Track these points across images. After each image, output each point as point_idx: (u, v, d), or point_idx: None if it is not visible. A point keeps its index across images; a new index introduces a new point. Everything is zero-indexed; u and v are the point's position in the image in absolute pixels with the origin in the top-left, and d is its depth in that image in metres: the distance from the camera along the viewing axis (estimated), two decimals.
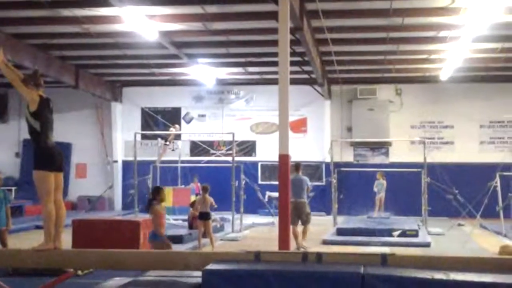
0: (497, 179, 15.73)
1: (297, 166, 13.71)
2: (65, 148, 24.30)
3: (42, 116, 6.39)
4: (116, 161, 24.10)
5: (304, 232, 13.25)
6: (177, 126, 20.89)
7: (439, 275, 4.99)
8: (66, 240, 11.73)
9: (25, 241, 11.76)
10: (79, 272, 8.78)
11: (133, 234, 10.70)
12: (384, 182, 20.03)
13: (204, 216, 12.78)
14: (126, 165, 23.32)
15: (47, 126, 6.45)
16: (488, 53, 18.23)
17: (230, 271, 5.24)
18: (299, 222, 13.19)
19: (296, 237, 12.80)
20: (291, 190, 11.33)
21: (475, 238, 14.94)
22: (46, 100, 6.53)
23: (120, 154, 24.25)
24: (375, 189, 20.08)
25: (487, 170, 18.08)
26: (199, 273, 5.38)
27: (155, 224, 9.16)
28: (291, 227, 11.18)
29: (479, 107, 22.38)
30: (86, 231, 10.77)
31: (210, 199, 12.88)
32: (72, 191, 24.10)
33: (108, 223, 11.45)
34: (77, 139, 24.24)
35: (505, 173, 15.48)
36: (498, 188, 15.64)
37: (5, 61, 6.38)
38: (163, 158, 20.16)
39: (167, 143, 19.93)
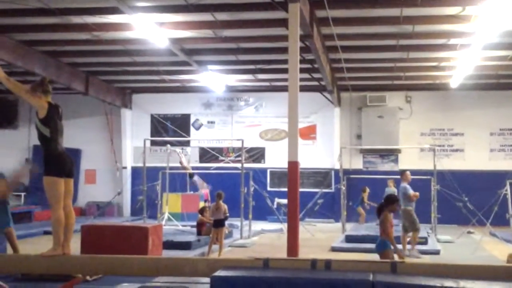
0: (507, 186, 15.64)
1: (401, 174, 14.25)
2: (75, 154, 24.39)
3: (51, 122, 6.42)
4: (125, 167, 24.14)
5: (412, 239, 13.47)
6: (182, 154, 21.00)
7: (448, 283, 4.96)
8: (75, 245, 11.77)
9: (34, 246, 11.77)
10: (88, 278, 8.80)
11: (142, 240, 10.68)
12: (395, 190, 19.95)
13: (219, 224, 12.74)
14: (135, 171, 23.35)
15: (57, 132, 6.48)
16: (499, 61, 18.17)
17: (238, 278, 5.23)
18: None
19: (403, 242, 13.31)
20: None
21: (485, 246, 14.86)
22: (55, 107, 6.57)
23: (129, 160, 24.29)
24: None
25: (497, 178, 18.00)
26: (207, 280, 5.37)
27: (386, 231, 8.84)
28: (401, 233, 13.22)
29: (489, 114, 22.29)
30: (95, 236, 10.76)
31: (224, 206, 12.86)
32: (81, 197, 24.16)
33: (117, 229, 11.43)
34: (87, 145, 24.32)
35: None
36: (508, 196, 15.53)
37: (6, 76, 6.42)
38: (172, 164, 20.11)
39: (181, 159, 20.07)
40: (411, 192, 13.65)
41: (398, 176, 20.26)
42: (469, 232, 17.61)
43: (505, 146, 22.41)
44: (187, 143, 23.66)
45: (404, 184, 13.81)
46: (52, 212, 6.36)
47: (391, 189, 19.92)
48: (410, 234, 13.53)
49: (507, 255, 11.58)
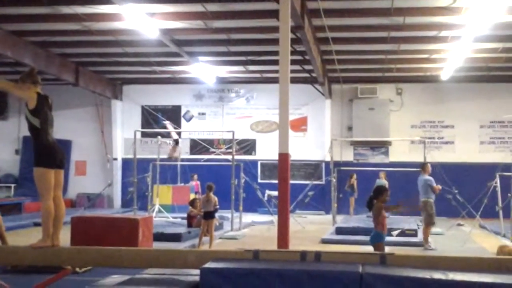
0: (497, 179, 15.72)
1: (422, 166, 14.14)
2: (65, 146, 24.30)
3: (41, 113, 6.36)
4: (115, 159, 24.09)
5: (425, 231, 13.58)
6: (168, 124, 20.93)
7: (438, 275, 4.98)
8: (64, 237, 11.73)
9: (24, 238, 11.73)
10: (78, 270, 8.79)
11: (132, 232, 10.65)
12: (387, 182, 20.04)
13: (209, 215, 12.76)
14: (126, 163, 23.32)
15: (47, 123, 6.42)
16: (489, 53, 18.21)
17: (228, 270, 5.23)
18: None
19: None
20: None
21: (475, 238, 14.92)
22: (44, 97, 6.51)
23: (119, 152, 24.24)
24: None
25: (487, 170, 18.07)
26: (197, 271, 5.36)
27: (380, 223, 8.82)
28: None
29: (479, 107, 22.37)
30: (84, 228, 10.71)
31: (215, 198, 12.88)
32: (71, 189, 24.11)
33: (107, 221, 11.38)
34: (77, 136, 24.26)
35: (505, 173, 15.45)
36: (498, 188, 15.62)
37: None
38: (162, 156, 20.06)
39: (169, 142, 19.98)
40: (435, 184, 13.65)
41: (389, 168, 20.50)
42: (459, 224, 17.70)
43: (494, 139, 22.49)
44: (178, 135, 23.61)
45: (427, 176, 13.76)
46: (42, 203, 6.34)
47: (383, 181, 19.99)
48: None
49: (497, 247, 11.62)
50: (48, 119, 6.48)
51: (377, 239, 8.69)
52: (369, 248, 8.90)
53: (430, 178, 13.68)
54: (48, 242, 6.21)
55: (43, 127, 6.36)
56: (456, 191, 16.94)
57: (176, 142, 20.36)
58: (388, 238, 14.03)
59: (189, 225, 14.78)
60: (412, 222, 16.70)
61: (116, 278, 6.41)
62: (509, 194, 14.52)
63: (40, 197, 6.36)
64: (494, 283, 4.85)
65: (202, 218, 13.06)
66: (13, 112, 24.36)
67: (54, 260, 6.32)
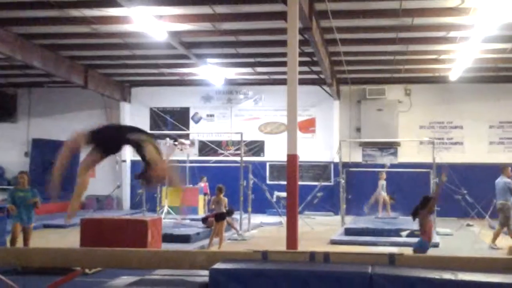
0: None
1: (502, 168, 14.24)
2: None
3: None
4: (124, 161, 24.15)
5: (495, 233, 13.67)
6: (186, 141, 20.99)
7: (447, 275, 4.97)
8: (74, 239, 11.78)
9: (34, 240, 11.80)
10: (87, 271, 8.82)
11: (141, 233, 10.71)
12: (385, 183, 20.04)
13: (220, 217, 12.80)
14: (135, 165, 23.36)
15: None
16: (498, 54, 18.16)
17: (237, 270, 5.24)
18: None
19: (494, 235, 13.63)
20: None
21: (484, 239, 14.88)
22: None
23: (128, 154, 24.27)
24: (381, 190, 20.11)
25: (496, 171, 17.95)
26: (206, 272, 5.38)
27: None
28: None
29: (488, 107, 22.31)
30: (94, 230, 10.78)
31: (225, 200, 12.93)
32: None
33: (116, 222, 11.46)
34: None
35: None
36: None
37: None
38: (171, 158, 20.09)
39: (176, 143, 19.96)
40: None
41: (397, 169, 20.46)
42: (468, 225, 17.67)
43: (504, 139, 22.42)
44: (186, 137, 23.64)
45: (507, 179, 13.81)
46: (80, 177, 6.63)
47: (382, 182, 20.00)
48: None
49: (508, 247, 11.60)
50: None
51: (420, 248, 8.63)
52: (379, 249, 8.90)
53: (510, 180, 13.68)
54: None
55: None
56: (465, 191, 16.90)
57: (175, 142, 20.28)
58: (397, 239, 14.10)
59: (205, 221, 14.85)
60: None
61: (125, 279, 6.43)
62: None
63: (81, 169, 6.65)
64: (503, 283, 4.83)
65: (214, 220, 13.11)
66: (23, 114, 24.50)
67: (64, 262, 6.35)
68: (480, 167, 21.52)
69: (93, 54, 19.40)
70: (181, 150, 20.03)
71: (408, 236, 14.43)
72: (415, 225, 15.59)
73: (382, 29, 15.90)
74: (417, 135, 22.42)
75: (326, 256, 5.68)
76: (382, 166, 21.66)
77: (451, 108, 22.64)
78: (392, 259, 5.61)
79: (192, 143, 20.83)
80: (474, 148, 22.42)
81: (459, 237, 15.46)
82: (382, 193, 19.98)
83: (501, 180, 13.80)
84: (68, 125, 24.18)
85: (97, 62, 20.60)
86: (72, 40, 17.53)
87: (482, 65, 19.53)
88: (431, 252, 12.29)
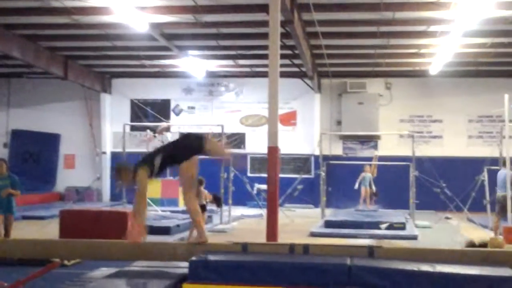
0: (485, 173, 15.82)
1: (503, 161, 14.27)
2: (54, 139, 24.27)
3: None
4: (104, 152, 24.04)
5: (497, 225, 13.67)
6: (169, 123, 20.79)
7: (425, 267, 5.03)
8: (53, 230, 11.72)
9: (13, 231, 11.71)
10: (66, 262, 8.79)
11: (121, 225, 10.68)
12: (371, 176, 20.21)
13: (200, 209, 12.79)
14: (115, 156, 23.24)
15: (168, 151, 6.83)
16: (478, 48, 18.29)
17: (217, 262, 5.26)
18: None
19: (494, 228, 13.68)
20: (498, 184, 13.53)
21: (462, 231, 15.01)
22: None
23: (108, 145, 24.19)
24: (357, 186, 20.22)
25: (475, 164, 18.18)
26: (186, 264, 5.39)
27: None
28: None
29: (468, 101, 22.48)
30: (73, 221, 10.75)
31: (205, 192, 12.92)
32: (60, 182, 24.08)
33: (96, 214, 11.42)
34: (66, 130, 24.21)
35: (492, 167, 15.54)
36: (486, 182, 15.72)
37: None
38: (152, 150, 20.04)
39: (156, 135, 19.89)
40: None
41: (377, 163, 20.57)
42: (446, 218, 17.82)
43: (483, 133, 22.61)
44: (167, 129, 23.55)
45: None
46: (185, 197, 6.65)
47: (368, 175, 20.12)
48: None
49: (488, 240, 11.69)
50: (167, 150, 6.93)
51: None
52: (358, 241, 8.94)
53: None
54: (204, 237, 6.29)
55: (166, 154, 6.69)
56: (444, 185, 17.03)
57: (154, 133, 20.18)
58: (376, 232, 14.19)
59: None
60: (400, 216, 16.78)
61: (104, 271, 6.43)
62: (496, 188, 14.60)
63: (185, 189, 6.68)
64: (480, 275, 4.90)
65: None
66: (2, 105, 24.28)
67: (43, 253, 6.32)
68: (459, 161, 21.71)
69: (74, 45, 19.24)
70: (162, 134, 19.96)
71: (387, 228, 14.54)
72: (394, 218, 15.78)
73: (364, 23, 15.93)
74: (397, 128, 22.54)
75: (306, 248, 5.71)
76: (363, 159, 21.79)
77: (431, 102, 22.78)
78: (371, 251, 5.66)
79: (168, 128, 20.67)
80: (453, 141, 22.59)
81: (437, 230, 15.58)
82: (363, 186, 20.13)
83: (502, 172, 13.96)
84: (48, 116, 24.12)
85: (78, 53, 20.45)
86: (52, 31, 17.38)
87: (462, 59, 19.66)
88: (410, 244, 12.41)
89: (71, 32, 17.37)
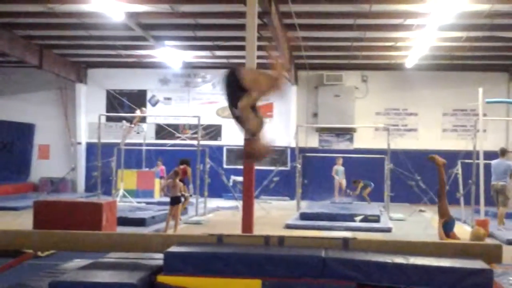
0: (459, 166, 15.97)
1: (503, 151, 14.50)
2: (28, 129, 24.04)
3: None
4: (80, 143, 23.88)
5: (500, 213, 13.90)
6: (143, 109, 20.68)
7: (398, 259, 5.07)
8: (26, 221, 11.62)
9: None
10: (40, 254, 8.71)
11: (96, 216, 10.62)
12: (343, 168, 20.37)
13: (175, 201, 12.81)
14: (90, 147, 23.11)
15: None
16: (453, 42, 18.42)
17: (192, 254, 5.25)
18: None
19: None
20: (493, 173, 13.73)
21: (436, 224, 15.09)
22: None
23: (84, 136, 24.03)
24: (334, 175, 20.39)
25: (449, 157, 18.19)
26: (161, 256, 5.37)
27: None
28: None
29: (442, 95, 22.67)
30: (47, 212, 10.64)
31: (180, 184, 12.94)
32: (34, 173, 23.88)
33: (70, 205, 11.32)
34: (40, 120, 23.99)
35: (466, 161, 15.69)
36: (460, 175, 15.88)
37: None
38: (128, 141, 19.99)
39: (132, 125, 19.79)
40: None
41: (353, 155, 20.70)
42: (420, 211, 17.97)
43: (457, 126, 22.83)
44: (143, 120, 23.45)
45: (509, 162, 14.28)
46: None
47: (340, 168, 20.26)
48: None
49: (471, 231, 11.80)
50: None
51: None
52: (333, 234, 8.98)
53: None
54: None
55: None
56: (418, 177, 17.17)
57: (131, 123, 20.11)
58: (351, 224, 14.28)
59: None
60: (375, 208, 16.90)
61: (78, 262, 6.38)
62: (470, 181, 14.76)
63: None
64: (452, 267, 4.95)
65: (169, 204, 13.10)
66: None
67: (15, 244, 6.26)
68: (433, 154, 21.84)
69: (49, 34, 19.03)
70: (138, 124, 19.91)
71: (362, 221, 14.63)
72: (369, 210, 15.89)
73: (340, 15, 15.97)
74: (373, 121, 22.68)
75: (281, 240, 5.72)
76: (339, 151, 21.91)
77: (406, 95, 22.94)
78: (345, 243, 5.69)
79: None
80: (428, 135, 22.78)
81: (411, 223, 15.72)
82: (336, 177, 20.26)
83: (502, 163, 14.14)
84: (22, 106, 23.86)
85: (53, 42, 20.22)
86: (27, 19, 17.15)
87: (437, 53, 19.79)
88: (384, 236, 12.51)
89: (46, 20, 17.17)
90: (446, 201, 8.86)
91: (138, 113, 20.07)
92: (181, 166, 15.36)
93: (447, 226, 8.40)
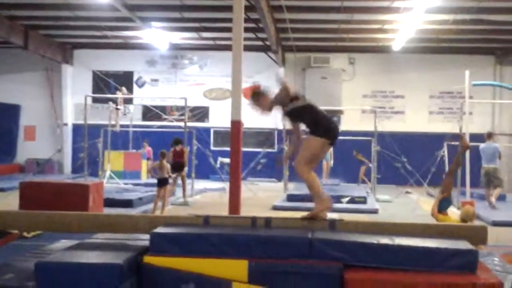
0: (445, 148, 16.07)
1: (490, 134, 14.73)
2: (14, 110, 23.89)
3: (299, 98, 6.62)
4: (66, 124, 23.78)
5: (496, 193, 14.10)
6: (123, 89, 20.52)
7: (384, 240, 5.10)
8: (13, 202, 11.58)
9: None
10: (26, 234, 8.69)
11: (82, 197, 10.61)
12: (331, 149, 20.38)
13: (162, 182, 12.81)
14: (77, 128, 23.01)
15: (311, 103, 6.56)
16: (440, 25, 18.42)
17: (178, 235, 5.25)
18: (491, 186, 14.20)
19: (488, 197, 14.16)
20: (483, 157, 13.88)
21: (422, 205, 15.25)
22: None
23: (70, 117, 23.93)
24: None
25: (435, 140, 18.47)
26: (147, 236, 5.37)
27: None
28: (485, 190, 14.21)
29: (429, 77, 22.72)
30: (34, 193, 10.61)
31: (167, 166, 12.93)
32: (20, 154, 23.78)
33: (57, 186, 11.29)
34: (26, 101, 23.86)
35: (452, 143, 15.78)
36: (446, 158, 15.98)
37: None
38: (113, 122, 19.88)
39: (119, 107, 19.70)
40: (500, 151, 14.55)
41: (341, 137, 20.71)
42: (407, 192, 18.08)
43: (443, 109, 22.93)
44: (129, 101, 23.37)
45: (495, 144, 14.60)
46: (302, 173, 6.21)
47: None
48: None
49: (462, 210, 11.87)
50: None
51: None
52: None
53: (498, 145, 14.62)
54: (326, 203, 6.02)
55: (309, 103, 6.52)
56: (405, 159, 17.25)
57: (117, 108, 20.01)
58: (337, 205, 14.31)
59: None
60: (362, 190, 16.98)
61: (65, 243, 6.37)
62: (482, 162, 14.87)
63: (301, 164, 6.27)
64: (438, 247, 4.99)
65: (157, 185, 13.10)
66: None
67: (1, 224, 6.23)
68: (419, 136, 22.00)
69: (34, 14, 18.85)
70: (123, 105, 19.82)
71: (348, 202, 14.69)
72: (355, 192, 15.96)
73: None
74: (360, 103, 22.71)
75: (268, 221, 5.74)
76: None
77: (393, 78, 22.98)
78: (332, 225, 5.72)
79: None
80: (415, 117, 22.87)
81: (398, 204, 15.81)
82: (324, 160, 20.27)
83: (490, 146, 14.29)
84: (8, 87, 23.69)
85: (39, 22, 20.04)
86: None
87: (424, 36, 19.81)
88: (371, 218, 12.58)
89: (32, 0, 17.01)
90: (452, 179, 8.91)
91: (119, 93, 19.94)
92: (179, 146, 15.31)
93: (444, 202, 8.41)
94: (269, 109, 6.58)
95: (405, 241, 5.11)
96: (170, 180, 13.77)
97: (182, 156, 15.35)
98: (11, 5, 17.69)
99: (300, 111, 6.45)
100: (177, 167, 14.86)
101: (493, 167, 14.20)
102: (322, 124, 6.30)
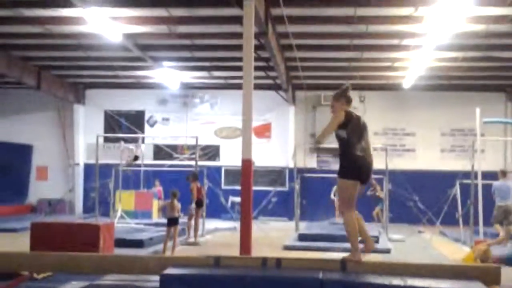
0: (457, 187, 15.93)
1: (504, 172, 14.29)
2: (26, 150, 24.00)
3: (348, 125, 6.38)
4: (77, 164, 23.84)
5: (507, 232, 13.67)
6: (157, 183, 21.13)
7: (396, 281, 5.03)
8: (23, 243, 11.54)
9: None
10: (36, 276, 8.64)
11: (93, 238, 10.54)
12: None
13: (173, 222, 12.72)
14: (88, 168, 23.06)
15: (354, 136, 6.42)
16: (450, 62, 18.47)
17: (188, 276, 5.21)
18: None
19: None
20: (498, 194, 13.39)
21: (435, 245, 15.09)
22: (353, 114, 6.59)
23: (82, 157, 23.99)
24: (332, 196, 20.21)
25: (447, 178, 18.29)
26: (157, 278, 5.33)
27: None
28: (496, 226, 13.46)
29: (440, 115, 22.68)
30: (45, 234, 10.55)
31: (178, 205, 12.85)
32: (32, 194, 23.81)
33: (68, 226, 11.24)
34: (39, 141, 23.97)
35: (465, 181, 15.65)
36: (458, 196, 15.83)
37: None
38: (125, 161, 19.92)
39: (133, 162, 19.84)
40: None
41: None
42: (419, 231, 17.90)
43: (455, 147, 22.82)
44: (137, 143, 23.42)
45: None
46: (344, 216, 6.33)
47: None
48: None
49: (475, 248, 11.69)
50: (356, 133, 6.45)
51: None
52: (332, 255, 8.92)
53: None
54: (358, 255, 6.04)
55: (350, 138, 6.35)
56: (417, 198, 17.12)
57: (135, 158, 20.12)
58: (349, 245, 14.15)
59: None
60: (374, 229, 16.81)
61: (75, 285, 6.33)
62: (468, 202, 14.72)
63: (342, 208, 6.43)
64: None
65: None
66: None
67: (11, 266, 6.21)
68: (431, 174, 21.85)
69: (47, 55, 19.08)
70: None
71: (361, 242, 14.52)
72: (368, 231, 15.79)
73: (337, 36, 16.03)
74: (371, 141, 22.59)
75: (278, 262, 5.69)
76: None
77: (404, 115, 22.96)
78: (343, 265, 5.65)
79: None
80: (426, 155, 22.77)
81: (410, 244, 15.62)
82: (336, 198, 20.13)
83: (504, 184, 14.00)
84: (20, 127, 23.84)
85: (51, 63, 20.27)
86: (25, 41, 17.23)
87: (434, 73, 19.85)
88: (383, 258, 12.44)
89: (44, 42, 17.22)
90: None
91: (157, 184, 20.52)
92: (197, 184, 15.11)
93: None
94: (338, 113, 6.51)
95: (417, 283, 5.04)
96: (181, 219, 13.68)
97: (201, 193, 15.30)
98: (24, 46, 17.92)
99: (338, 141, 6.48)
100: (200, 203, 14.92)
101: (508, 205, 14.00)
102: (347, 166, 6.40)
